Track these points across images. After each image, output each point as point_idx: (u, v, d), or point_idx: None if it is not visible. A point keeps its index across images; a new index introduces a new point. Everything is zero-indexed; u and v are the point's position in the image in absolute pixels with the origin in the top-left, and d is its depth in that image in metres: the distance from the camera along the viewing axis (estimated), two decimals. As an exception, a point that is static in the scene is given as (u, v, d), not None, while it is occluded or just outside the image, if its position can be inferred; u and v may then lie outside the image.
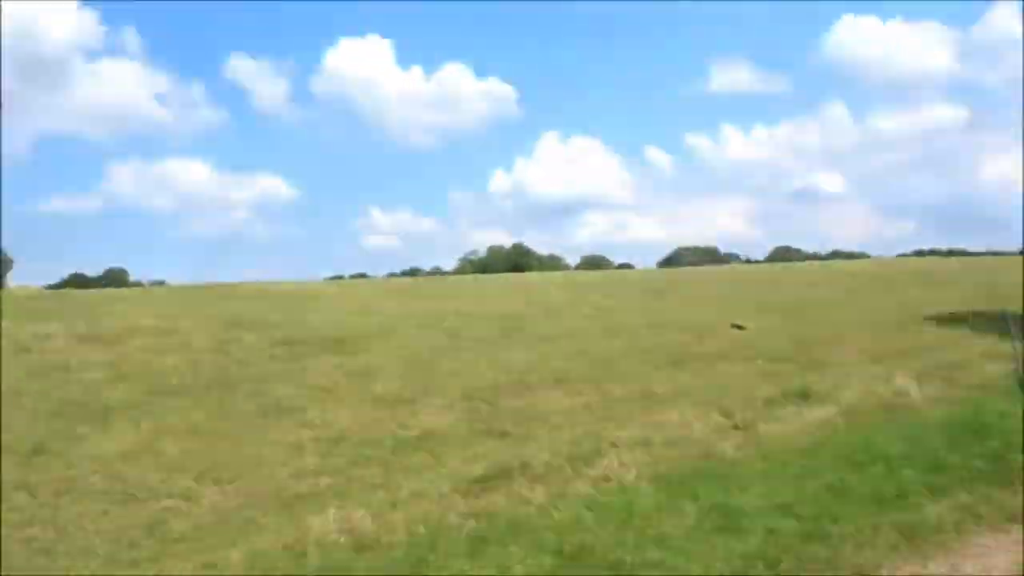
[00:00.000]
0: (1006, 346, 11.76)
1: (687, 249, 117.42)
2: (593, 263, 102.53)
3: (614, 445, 8.01)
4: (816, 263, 64.64)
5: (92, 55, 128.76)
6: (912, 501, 6.06)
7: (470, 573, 4.99)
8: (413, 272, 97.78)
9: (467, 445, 8.85)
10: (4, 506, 6.72)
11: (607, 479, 6.94)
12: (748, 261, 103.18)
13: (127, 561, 5.82)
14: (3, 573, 5.53)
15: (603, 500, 6.20)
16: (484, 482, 7.28)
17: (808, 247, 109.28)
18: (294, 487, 7.57)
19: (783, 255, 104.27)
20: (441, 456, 8.49)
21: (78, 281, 61.44)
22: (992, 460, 6.99)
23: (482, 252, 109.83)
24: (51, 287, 50.57)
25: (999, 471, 6.76)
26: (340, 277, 64.29)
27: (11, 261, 65.84)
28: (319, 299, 22.47)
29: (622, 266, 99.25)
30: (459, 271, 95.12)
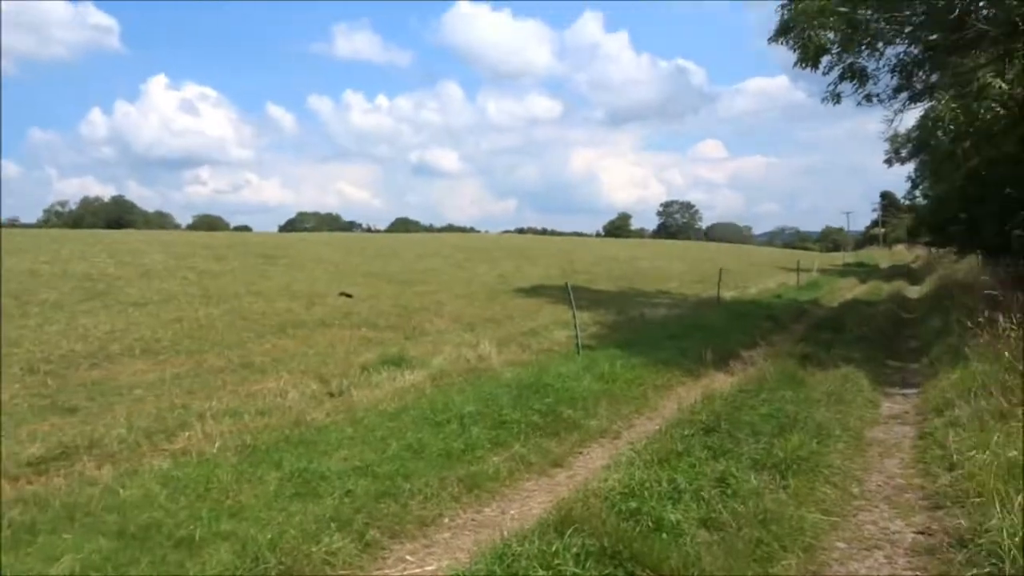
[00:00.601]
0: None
1: (309, 214, 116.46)
2: (208, 224, 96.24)
3: (200, 417, 7.63)
4: (430, 235, 68.85)
5: None
6: (477, 455, 6.74)
7: (6, 572, 4.37)
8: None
9: (24, 423, 7.69)
10: None
11: (187, 453, 6.59)
12: (370, 230, 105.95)
13: None
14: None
15: (179, 474, 5.85)
16: (40, 464, 6.44)
17: (426, 220, 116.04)
18: None
19: (403, 226, 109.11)
20: (-11, 437, 7.27)
21: None
22: (546, 415, 8.03)
23: (74, 204, 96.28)
24: None
25: (550, 424, 7.85)
26: None
27: None
28: None
29: (239, 228, 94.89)
30: (44, 224, 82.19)
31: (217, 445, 6.76)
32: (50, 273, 17.36)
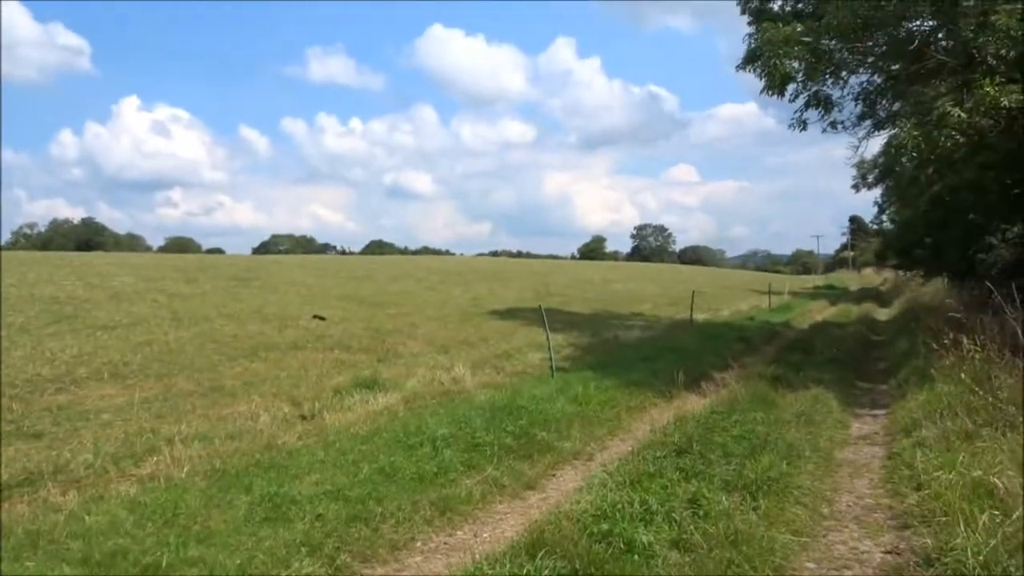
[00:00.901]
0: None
1: (283, 237, 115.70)
2: (179, 246, 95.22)
3: (169, 441, 7.52)
4: (404, 258, 68.74)
5: None
6: (450, 478, 6.70)
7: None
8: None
9: (-13, 450, 7.53)
10: None
11: (155, 478, 6.49)
12: (344, 252, 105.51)
13: None
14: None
15: (147, 500, 5.76)
16: (3, 491, 6.29)
17: (400, 242, 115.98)
18: None
19: (377, 249, 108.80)
20: (-52, 464, 7.10)
21: None
22: (519, 437, 8.02)
23: (43, 226, 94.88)
24: None
25: (524, 446, 7.83)
26: None
27: None
28: None
29: (212, 251, 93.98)
30: (12, 246, 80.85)
31: (186, 470, 6.67)
32: (16, 296, 17.08)
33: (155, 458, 7.03)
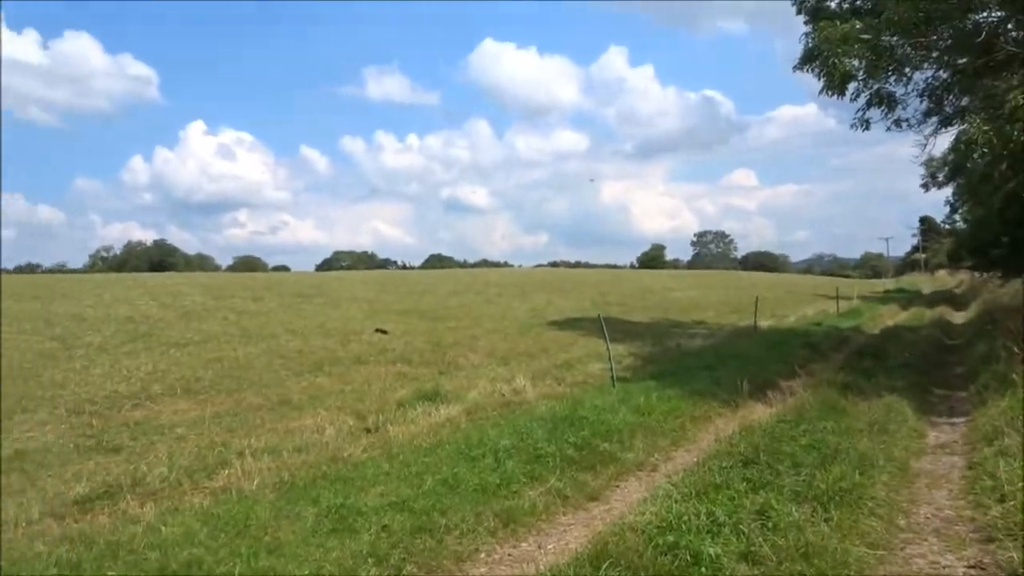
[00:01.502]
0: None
1: (345, 253, 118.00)
2: (247, 265, 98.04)
3: (240, 455, 7.73)
4: (462, 271, 69.25)
5: None
6: (513, 489, 6.69)
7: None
8: (31, 269, 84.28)
9: (70, 463, 7.88)
10: None
11: (227, 490, 6.67)
12: (405, 267, 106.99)
13: None
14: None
15: (219, 512, 5.93)
16: (85, 503, 6.59)
17: (458, 255, 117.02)
18: None
19: (436, 262, 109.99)
20: (36, 477, 7.46)
21: None
22: (581, 448, 7.96)
23: (118, 249, 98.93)
24: None
25: (586, 457, 7.78)
26: (-65, 271, 53.15)
27: None
28: None
29: (278, 268, 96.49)
30: (90, 269, 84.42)
31: (256, 482, 6.85)
32: (94, 316, 17.82)
33: (226, 471, 7.24)
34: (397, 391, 11.57)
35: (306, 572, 4.72)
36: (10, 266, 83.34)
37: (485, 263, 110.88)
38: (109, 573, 4.89)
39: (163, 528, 5.62)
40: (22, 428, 9.11)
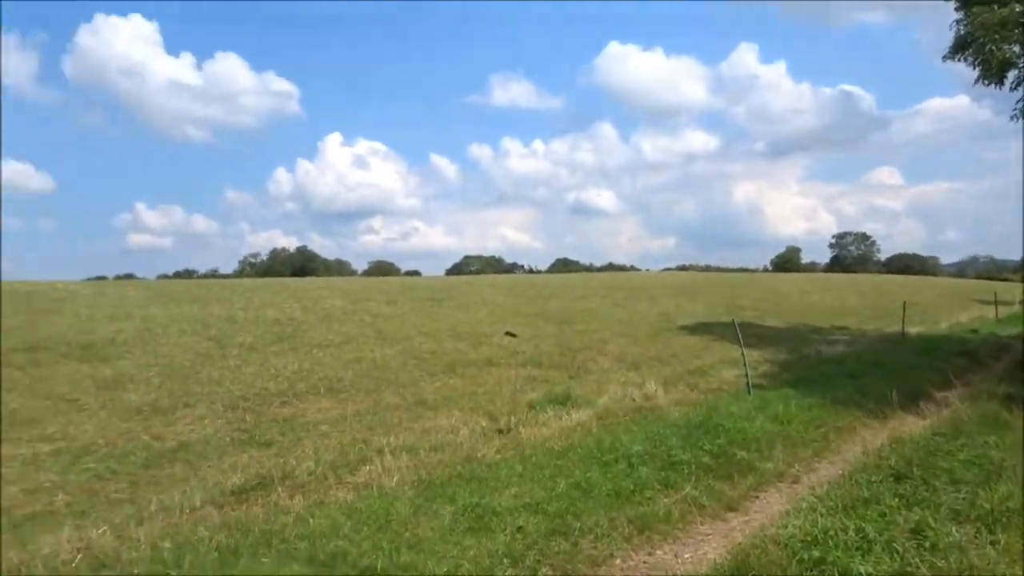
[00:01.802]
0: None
1: (474, 258, 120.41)
2: (382, 270, 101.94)
3: (380, 452, 8.03)
4: (589, 275, 68.98)
5: None
6: (647, 496, 6.61)
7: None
8: (188, 274, 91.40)
9: (227, 455, 8.47)
10: None
11: (368, 486, 6.95)
12: (531, 271, 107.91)
13: None
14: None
15: (362, 507, 6.20)
16: (241, 493, 7.03)
17: (585, 259, 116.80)
18: (25, 506, 6.86)
19: (563, 267, 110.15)
20: (198, 468, 8.06)
21: None
22: (717, 456, 7.78)
23: (264, 255, 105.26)
24: None
25: (722, 466, 7.58)
26: (103, 278, 58.68)
27: None
28: (72, 301, 20.35)
29: (409, 273, 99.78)
30: (239, 274, 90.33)
31: (395, 479, 7.08)
32: (244, 319, 19.06)
33: (367, 467, 7.54)
34: (528, 394, 11.67)
35: (445, 569, 4.84)
36: (169, 272, 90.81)
37: (611, 267, 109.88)
38: (264, 560, 5.21)
39: (311, 520, 5.92)
40: (185, 422, 9.87)
